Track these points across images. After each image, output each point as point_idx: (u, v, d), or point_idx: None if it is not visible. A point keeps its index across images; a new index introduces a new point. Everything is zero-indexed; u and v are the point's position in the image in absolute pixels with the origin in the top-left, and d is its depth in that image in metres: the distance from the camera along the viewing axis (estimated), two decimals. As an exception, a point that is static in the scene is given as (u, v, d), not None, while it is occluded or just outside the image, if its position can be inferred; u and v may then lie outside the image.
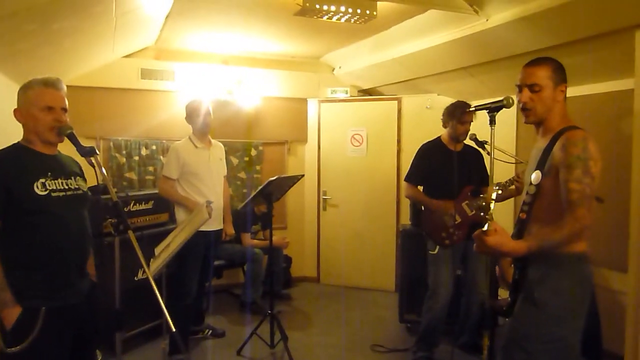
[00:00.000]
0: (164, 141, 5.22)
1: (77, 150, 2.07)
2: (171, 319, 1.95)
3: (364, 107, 5.87)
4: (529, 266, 2.08)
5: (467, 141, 3.78)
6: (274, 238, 4.15)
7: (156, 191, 4.13)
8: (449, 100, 4.46)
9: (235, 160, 5.65)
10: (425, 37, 4.22)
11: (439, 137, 3.83)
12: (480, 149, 3.77)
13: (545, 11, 3.00)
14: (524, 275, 2.10)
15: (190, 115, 3.90)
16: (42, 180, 2.06)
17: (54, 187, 2.09)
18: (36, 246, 2.03)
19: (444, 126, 3.79)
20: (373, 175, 5.77)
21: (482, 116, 2.57)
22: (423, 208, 3.83)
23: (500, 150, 3.44)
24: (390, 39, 4.57)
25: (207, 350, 4.12)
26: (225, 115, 5.42)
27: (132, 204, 4.00)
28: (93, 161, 2.06)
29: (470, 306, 3.80)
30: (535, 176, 2.06)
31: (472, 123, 3.71)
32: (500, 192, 2.04)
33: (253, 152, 5.74)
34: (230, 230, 4.16)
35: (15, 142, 2.15)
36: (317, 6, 3.38)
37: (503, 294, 2.56)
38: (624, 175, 3.34)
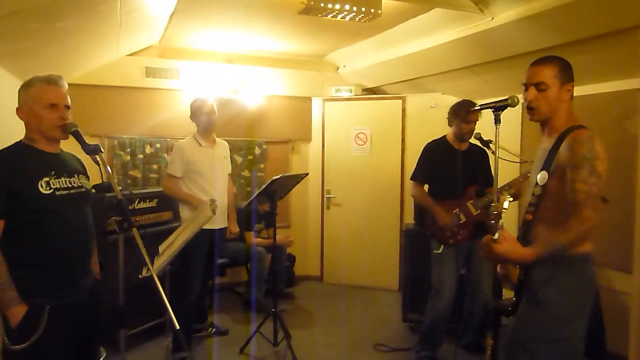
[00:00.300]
0: (168, 139, 5.22)
1: (82, 148, 2.07)
2: (175, 317, 1.95)
3: (368, 106, 5.87)
4: (534, 267, 2.07)
5: (472, 140, 3.77)
6: (277, 237, 4.16)
7: (160, 189, 4.14)
8: (453, 100, 4.45)
9: (239, 159, 5.66)
10: (430, 35, 4.21)
11: (444, 136, 3.83)
12: (485, 148, 3.76)
13: (550, 10, 2.99)
14: (529, 276, 2.10)
15: (195, 113, 3.91)
16: (47, 179, 2.06)
17: (58, 186, 2.09)
18: (40, 245, 2.03)
19: (450, 125, 3.78)
20: (377, 174, 5.76)
21: (487, 115, 2.56)
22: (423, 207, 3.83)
23: (505, 150, 3.43)
24: (395, 37, 4.56)
25: (210, 348, 4.13)
26: (229, 114, 5.43)
27: (136, 202, 4.01)
28: (98, 159, 2.06)
29: (473, 306, 3.80)
30: (541, 177, 2.05)
31: (477, 122, 3.70)
32: (511, 199, 2.03)
33: (257, 151, 5.75)
34: (235, 229, 4.17)
35: (18, 140, 2.15)
36: (322, 4, 3.38)
37: (507, 294, 2.56)
38: (628, 176, 3.33)
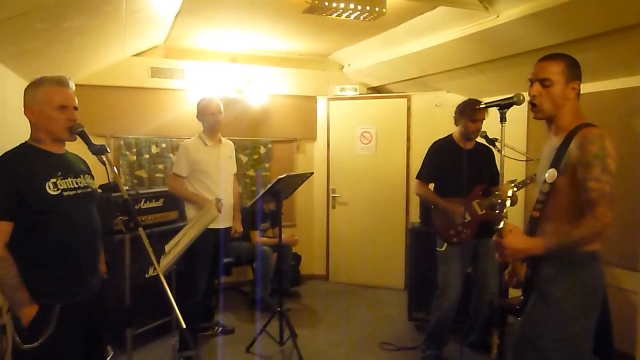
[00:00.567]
0: (174, 139, 5.24)
1: (88, 148, 2.08)
2: (181, 316, 1.96)
3: (373, 105, 5.86)
4: (542, 265, 2.06)
5: (478, 139, 3.76)
6: (283, 236, 4.16)
7: (166, 189, 4.15)
8: (458, 98, 4.44)
9: (244, 158, 5.66)
10: (435, 34, 4.20)
11: (451, 135, 3.82)
12: (491, 147, 3.74)
13: (555, 7, 2.97)
14: (537, 274, 2.09)
15: (202, 113, 3.92)
16: (54, 180, 2.07)
17: (65, 187, 2.11)
18: (49, 245, 2.05)
19: (456, 124, 3.77)
20: (382, 173, 5.75)
21: (493, 113, 2.55)
22: (433, 206, 3.82)
23: (510, 148, 3.42)
24: (400, 36, 4.55)
25: (216, 347, 4.14)
26: (234, 113, 5.44)
27: (142, 202, 4.03)
28: (104, 159, 2.07)
29: (480, 305, 3.78)
30: (549, 174, 2.04)
31: (483, 121, 3.69)
32: (515, 189, 2.02)
33: (262, 150, 5.75)
34: (239, 228, 4.17)
35: (23, 142, 2.15)
36: (326, 3, 3.38)
37: (513, 292, 2.56)
38: (635, 173, 3.32)
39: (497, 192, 3.59)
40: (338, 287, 5.86)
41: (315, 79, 5.97)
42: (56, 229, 2.06)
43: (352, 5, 3.44)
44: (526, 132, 4.55)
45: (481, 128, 3.67)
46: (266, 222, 5.41)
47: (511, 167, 3.59)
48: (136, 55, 5.18)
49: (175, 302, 1.99)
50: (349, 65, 5.94)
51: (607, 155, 1.91)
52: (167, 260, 2.75)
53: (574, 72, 2.08)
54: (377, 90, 6.22)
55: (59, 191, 2.08)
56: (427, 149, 3.88)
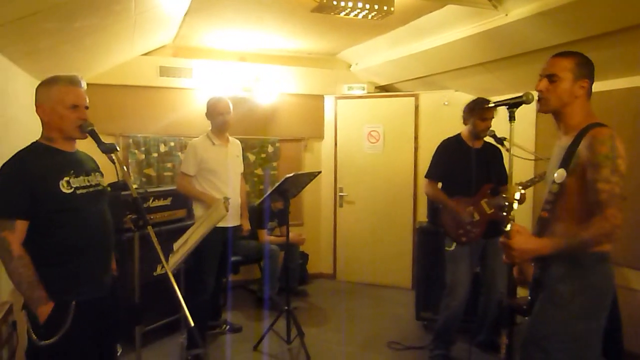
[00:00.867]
0: (182, 138, 5.26)
1: (98, 147, 2.09)
2: (189, 314, 1.98)
3: (380, 104, 5.85)
4: (550, 265, 2.05)
5: (486, 138, 3.74)
6: (290, 234, 4.17)
7: (174, 187, 4.17)
8: (467, 97, 4.42)
9: (252, 157, 5.68)
10: (443, 32, 4.19)
11: (459, 134, 3.80)
12: (499, 146, 3.73)
13: (564, 6, 2.96)
14: (545, 274, 2.08)
15: (211, 112, 3.93)
16: (67, 178, 2.09)
17: (78, 185, 2.13)
18: (63, 243, 2.07)
19: (465, 123, 3.75)
20: (390, 172, 5.74)
21: (501, 113, 2.54)
22: (441, 206, 3.81)
23: (519, 147, 3.40)
24: (408, 34, 4.54)
25: (224, 345, 4.15)
26: (242, 112, 5.45)
27: (150, 200, 4.05)
28: (114, 158, 2.08)
29: (488, 304, 3.77)
30: (559, 174, 2.02)
31: (492, 120, 3.67)
32: (523, 192, 2.01)
33: (270, 149, 5.76)
34: (247, 225, 4.19)
35: (34, 140, 2.17)
36: (334, 2, 3.37)
37: (521, 292, 2.55)
38: (645, 173, 3.29)
39: (504, 195, 3.57)
40: (345, 285, 5.86)
41: (323, 77, 5.97)
42: (70, 227, 2.08)
43: (360, 4, 3.43)
44: (535, 131, 4.52)
45: (490, 126, 3.65)
46: (274, 220, 5.42)
47: (520, 166, 3.57)
48: (145, 54, 5.21)
49: (184, 300, 2.00)
50: (357, 64, 5.94)
51: (617, 156, 1.89)
52: (175, 259, 2.76)
53: (584, 71, 2.06)
54: (384, 89, 6.21)
55: (72, 189, 2.10)
56: (436, 148, 3.87)
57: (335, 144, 6.02)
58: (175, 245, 3.01)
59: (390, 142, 5.75)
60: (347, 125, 5.96)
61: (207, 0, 3.73)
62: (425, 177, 3.86)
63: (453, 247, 3.65)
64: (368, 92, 5.98)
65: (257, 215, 5.04)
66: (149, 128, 5.22)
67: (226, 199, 3.67)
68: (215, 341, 4.20)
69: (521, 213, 4.21)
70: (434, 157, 3.85)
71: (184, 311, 1.97)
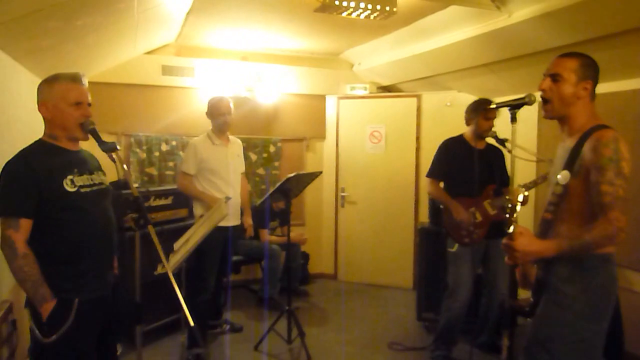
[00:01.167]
0: (184, 137, 5.26)
1: (99, 146, 2.09)
2: (189, 314, 1.97)
3: (383, 104, 5.84)
4: (554, 266, 2.04)
5: (488, 140, 3.74)
6: (291, 234, 4.16)
7: (176, 186, 4.17)
8: (469, 98, 4.41)
9: (254, 157, 5.68)
10: (446, 33, 4.18)
11: (462, 135, 3.80)
12: (501, 148, 3.72)
13: (568, 7, 2.95)
14: (549, 276, 2.07)
15: (212, 112, 3.92)
16: (71, 176, 2.09)
17: (82, 183, 2.13)
18: (67, 241, 2.08)
19: (468, 124, 3.75)
20: (391, 172, 5.74)
21: (503, 114, 2.53)
22: (442, 206, 3.80)
23: (521, 148, 3.39)
24: (411, 35, 4.53)
25: (224, 345, 4.15)
26: (244, 112, 5.45)
27: (152, 199, 4.05)
28: (114, 157, 2.08)
29: (490, 306, 3.77)
30: (562, 176, 2.01)
31: (495, 119, 3.67)
32: (527, 194, 2.00)
33: (272, 149, 5.76)
34: (248, 221, 4.17)
35: (38, 138, 2.17)
36: (337, 2, 3.37)
37: (523, 293, 2.55)
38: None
39: (507, 197, 3.56)
40: (346, 286, 5.86)
41: (325, 77, 5.97)
42: (74, 225, 2.08)
43: (363, 5, 3.43)
44: (537, 132, 4.51)
45: (493, 126, 3.64)
46: (275, 220, 5.42)
47: (522, 167, 3.56)
48: (147, 53, 5.21)
49: (185, 299, 2.00)
50: (360, 64, 5.93)
51: (621, 159, 1.88)
52: (176, 258, 2.77)
53: (588, 72, 2.05)
54: (387, 90, 6.20)
55: (76, 188, 2.10)
56: (438, 147, 3.86)
57: (337, 144, 6.01)
58: (176, 245, 3.01)
59: (392, 142, 5.74)
60: (349, 126, 5.96)
61: (209, 0, 3.72)
62: (427, 176, 3.86)
63: (455, 248, 3.64)
64: (370, 93, 5.97)
65: (258, 215, 5.04)
66: (150, 127, 5.22)
67: (227, 199, 3.68)
68: (216, 341, 4.20)
69: (523, 214, 4.17)
70: (435, 155, 3.85)
71: (185, 311, 1.97)
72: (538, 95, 2.20)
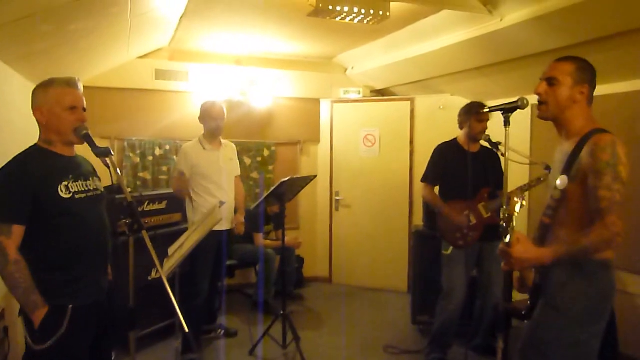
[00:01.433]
0: (178, 141, 5.24)
1: (92, 150, 2.07)
2: (184, 319, 1.96)
3: (376, 108, 5.86)
4: (552, 270, 2.03)
5: (482, 142, 3.75)
6: (286, 238, 4.16)
7: (169, 191, 4.16)
8: (462, 101, 4.43)
9: (248, 161, 5.67)
10: (439, 37, 4.20)
11: (455, 139, 3.81)
12: (495, 151, 3.73)
13: (560, 11, 2.97)
14: (546, 280, 2.07)
15: (204, 116, 3.92)
16: (65, 182, 2.08)
17: (77, 189, 2.12)
18: (61, 248, 2.06)
19: (461, 127, 3.76)
20: (386, 176, 5.75)
21: (496, 117, 2.54)
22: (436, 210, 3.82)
23: (514, 152, 3.41)
24: (404, 39, 4.55)
25: (219, 350, 4.13)
26: (238, 116, 5.45)
27: (145, 204, 4.03)
28: (108, 162, 2.06)
29: (484, 308, 3.77)
30: (560, 181, 2.01)
31: (488, 122, 3.68)
32: (524, 203, 2.00)
33: (266, 153, 5.76)
34: (240, 219, 4.11)
35: (33, 144, 2.15)
36: (330, 7, 3.37)
37: (517, 296, 2.56)
38: (640, 177, 3.29)
39: (504, 207, 3.57)
40: (341, 289, 5.85)
41: (319, 81, 5.98)
42: (68, 232, 2.07)
43: (356, 9, 3.44)
44: (530, 136, 4.54)
45: (487, 128, 3.66)
46: (269, 224, 5.41)
47: (515, 170, 3.58)
48: (141, 57, 5.20)
49: (179, 304, 1.99)
50: (353, 68, 5.94)
51: (619, 163, 1.88)
52: (170, 263, 2.76)
53: (584, 76, 2.05)
54: (380, 93, 6.22)
55: (71, 194, 2.09)
56: (432, 151, 3.87)
57: (331, 148, 6.02)
58: (170, 250, 3.00)
59: (386, 145, 5.76)
60: (343, 129, 5.97)
61: (203, 4, 3.72)
62: (422, 181, 3.87)
63: (449, 251, 3.65)
64: (364, 96, 5.99)
65: (253, 219, 5.03)
66: (144, 131, 5.21)
67: (221, 203, 3.67)
68: (211, 346, 4.18)
69: (518, 217, 4.18)
70: (430, 160, 3.86)
71: (179, 316, 1.96)
72: (531, 98, 2.21)
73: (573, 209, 2.00)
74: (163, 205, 4.18)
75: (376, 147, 5.79)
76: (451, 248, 3.64)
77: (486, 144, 3.72)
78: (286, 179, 3.77)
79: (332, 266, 6.10)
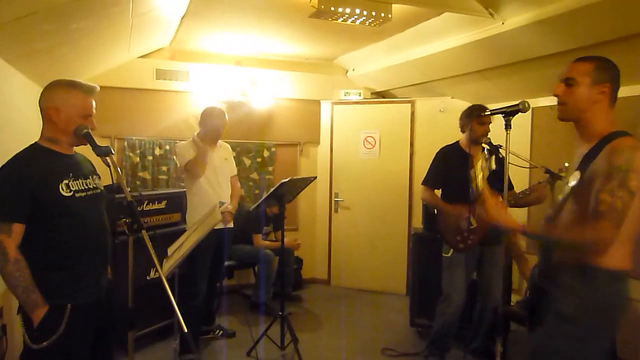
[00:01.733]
0: (178, 141, 5.21)
1: (93, 150, 2.08)
2: (182, 319, 1.96)
3: (377, 110, 5.86)
4: (556, 274, 2.00)
5: (483, 146, 3.74)
6: (285, 239, 4.15)
7: (169, 190, 4.15)
8: (462, 104, 4.43)
9: (247, 161, 5.67)
10: (440, 40, 4.20)
11: (457, 142, 3.79)
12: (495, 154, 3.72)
13: (561, 15, 2.97)
14: (551, 283, 2.03)
15: (205, 121, 3.90)
16: (66, 181, 2.08)
17: (77, 188, 2.12)
18: (61, 247, 2.06)
19: (463, 130, 3.74)
20: (385, 178, 5.75)
21: (497, 121, 2.54)
22: (436, 211, 3.81)
23: (515, 155, 3.41)
24: (405, 41, 4.55)
25: (217, 351, 4.13)
26: (239, 116, 5.44)
27: (145, 204, 4.03)
28: (108, 161, 2.07)
29: (483, 311, 3.76)
30: (573, 177, 1.96)
31: (490, 124, 3.66)
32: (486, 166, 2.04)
33: (266, 154, 5.75)
34: (230, 209, 3.98)
35: (33, 142, 2.15)
36: (332, 8, 3.38)
37: (515, 300, 2.57)
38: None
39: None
40: (340, 291, 5.85)
41: (319, 83, 5.98)
42: (68, 231, 2.06)
43: (358, 11, 3.44)
44: (530, 139, 4.54)
45: (489, 131, 3.64)
46: (269, 225, 5.41)
47: (515, 174, 3.58)
48: (141, 57, 5.20)
49: (177, 305, 1.99)
50: (354, 69, 5.95)
51: (631, 170, 1.79)
52: (170, 263, 2.75)
53: (604, 75, 1.98)
54: (381, 95, 6.22)
55: (72, 192, 2.08)
56: (434, 155, 3.85)
57: (331, 149, 6.01)
58: (170, 250, 3.00)
59: (386, 148, 5.75)
60: (343, 131, 5.96)
61: (204, 4, 3.72)
62: (422, 184, 3.85)
63: (450, 253, 3.64)
64: (364, 98, 5.99)
65: (252, 219, 5.02)
66: (144, 131, 5.20)
67: (221, 204, 3.67)
68: (209, 346, 4.17)
69: (517, 219, 4.18)
70: (432, 164, 3.84)
71: (178, 316, 1.96)
72: (532, 102, 2.21)
73: (577, 205, 1.94)
74: (162, 205, 4.18)
75: (376, 149, 5.79)
76: (451, 251, 3.63)
77: (486, 147, 3.70)
78: (286, 180, 3.76)
79: (330, 268, 6.09)
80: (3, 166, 2.03)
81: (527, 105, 2.20)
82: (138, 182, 5.12)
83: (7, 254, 1.94)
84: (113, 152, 2.12)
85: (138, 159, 5.13)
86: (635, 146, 1.84)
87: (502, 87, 4.54)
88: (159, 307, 3.80)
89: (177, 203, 4.22)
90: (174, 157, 5.19)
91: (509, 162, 2.58)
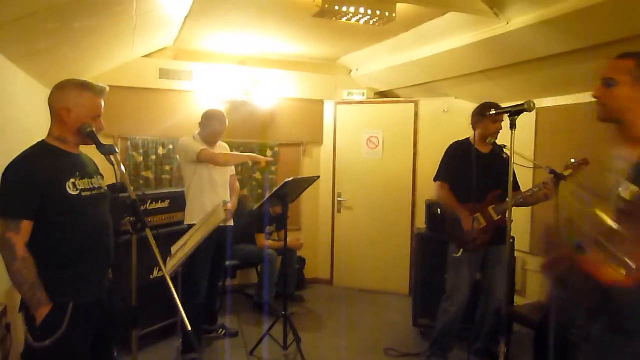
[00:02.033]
0: (181, 141, 5.24)
1: (97, 148, 2.08)
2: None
3: (380, 110, 5.85)
4: (620, 292, 1.71)
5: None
6: (288, 239, 4.15)
7: (172, 190, 4.15)
8: (466, 104, 4.42)
9: (250, 161, 5.66)
10: (444, 40, 4.19)
11: (468, 138, 3.75)
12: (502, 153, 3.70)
13: (566, 15, 2.96)
14: (612, 300, 1.77)
15: (206, 124, 3.90)
16: (73, 180, 2.08)
17: (83, 187, 2.12)
18: (66, 245, 2.06)
19: (474, 128, 3.69)
20: (388, 178, 5.74)
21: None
22: (444, 212, 3.77)
23: (519, 155, 3.39)
24: (409, 41, 4.54)
25: (220, 350, 4.13)
26: (242, 116, 5.44)
27: (148, 203, 4.03)
28: (113, 160, 2.07)
29: (486, 312, 3.75)
30: (630, 191, 1.71)
31: (502, 122, 3.63)
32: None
33: (269, 153, 5.75)
34: (229, 207, 4.00)
35: (40, 140, 2.15)
36: (337, 7, 3.37)
37: (519, 301, 2.55)
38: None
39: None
40: (342, 291, 5.84)
41: (323, 83, 5.97)
42: (73, 229, 2.07)
43: (362, 10, 3.43)
44: (534, 139, 4.52)
45: (501, 129, 3.61)
46: (272, 225, 5.40)
47: (519, 174, 3.57)
48: (145, 56, 5.20)
49: (181, 304, 1.99)
50: (357, 69, 5.94)
51: None
52: (173, 262, 2.75)
53: None
54: (384, 95, 6.21)
55: (78, 191, 2.09)
56: (445, 150, 3.81)
57: (334, 149, 6.01)
58: (173, 249, 3.00)
59: (390, 148, 5.75)
60: (346, 131, 5.96)
61: (208, 4, 3.72)
62: (435, 179, 3.78)
63: (460, 254, 3.61)
64: (368, 98, 5.98)
65: (255, 219, 5.02)
66: (147, 130, 5.21)
67: (225, 203, 3.67)
68: (212, 346, 4.17)
69: (520, 219, 4.19)
70: (443, 159, 3.79)
71: (182, 315, 1.95)
72: (536, 102, 2.20)
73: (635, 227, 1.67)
74: (166, 204, 4.18)
75: (379, 149, 5.78)
76: (461, 251, 3.60)
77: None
78: (289, 179, 3.76)
79: (333, 268, 6.08)
80: (11, 163, 2.03)
81: (532, 104, 2.19)
82: (141, 182, 5.12)
83: (16, 252, 1.94)
84: (117, 150, 2.11)
85: (141, 158, 5.13)
86: None
87: (506, 88, 4.52)
88: (162, 306, 3.81)
89: (181, 202, 4.21)
90: (178, 155, 5.19)
91: (513, 162, 2.57)
